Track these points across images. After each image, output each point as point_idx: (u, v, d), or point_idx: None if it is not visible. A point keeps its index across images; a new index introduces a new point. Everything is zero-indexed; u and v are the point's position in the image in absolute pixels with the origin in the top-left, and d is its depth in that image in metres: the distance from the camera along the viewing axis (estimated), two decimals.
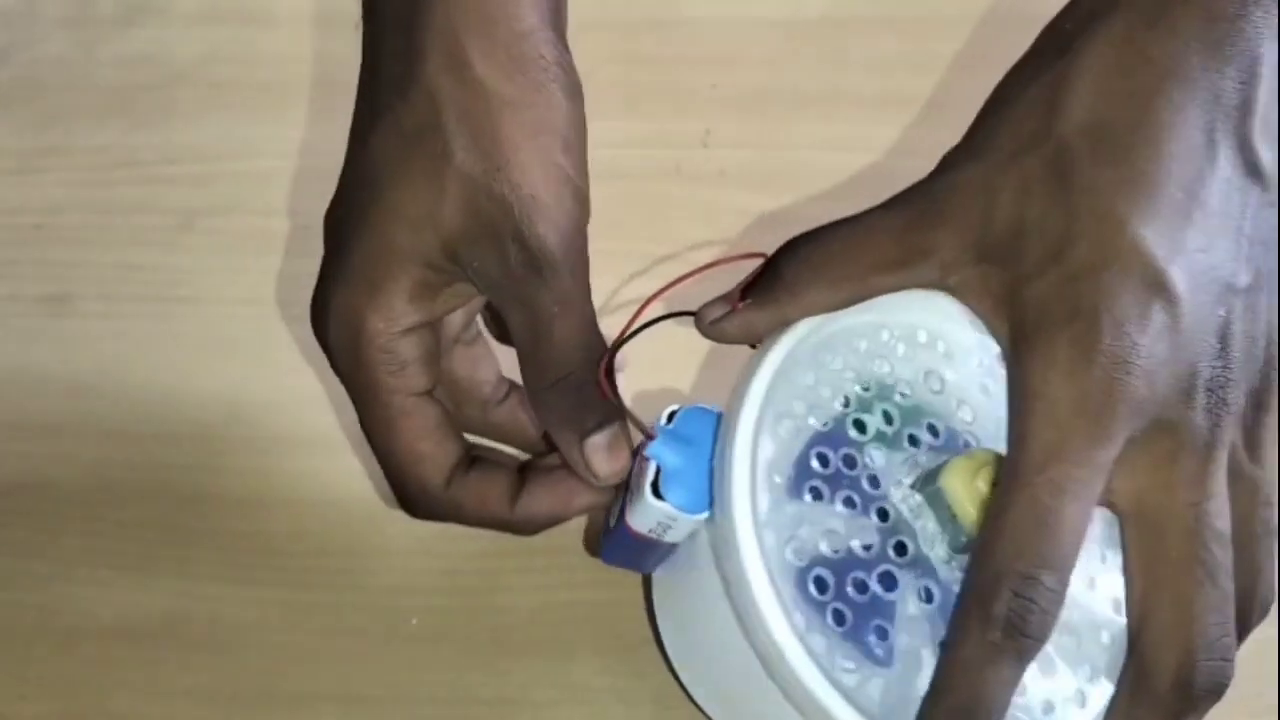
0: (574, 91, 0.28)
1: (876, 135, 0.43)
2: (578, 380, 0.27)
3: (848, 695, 0.24)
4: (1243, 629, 0.25)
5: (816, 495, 0.26)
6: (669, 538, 0.27)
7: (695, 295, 0.28)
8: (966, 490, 0.25)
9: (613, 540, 0.29)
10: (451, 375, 0.30)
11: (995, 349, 0.27)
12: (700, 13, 0.46)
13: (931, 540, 0.26)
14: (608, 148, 0.43)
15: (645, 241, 0.40)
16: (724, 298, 0.28)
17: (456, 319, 0.30)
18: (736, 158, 0.43)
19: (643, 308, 0.28)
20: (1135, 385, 0.24)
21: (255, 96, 0.42)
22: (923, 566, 0.26)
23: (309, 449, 0.37)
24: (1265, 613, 0.26)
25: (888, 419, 0.27)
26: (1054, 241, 0.24)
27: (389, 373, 0.27)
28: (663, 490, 0.26)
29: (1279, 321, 0.26)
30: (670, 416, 0.27)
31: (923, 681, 0.25)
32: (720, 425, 0.27)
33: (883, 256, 0.26)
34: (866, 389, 0.27)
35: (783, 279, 0.27)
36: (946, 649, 0.24)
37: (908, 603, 0.25)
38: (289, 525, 0.35)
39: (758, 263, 0.28)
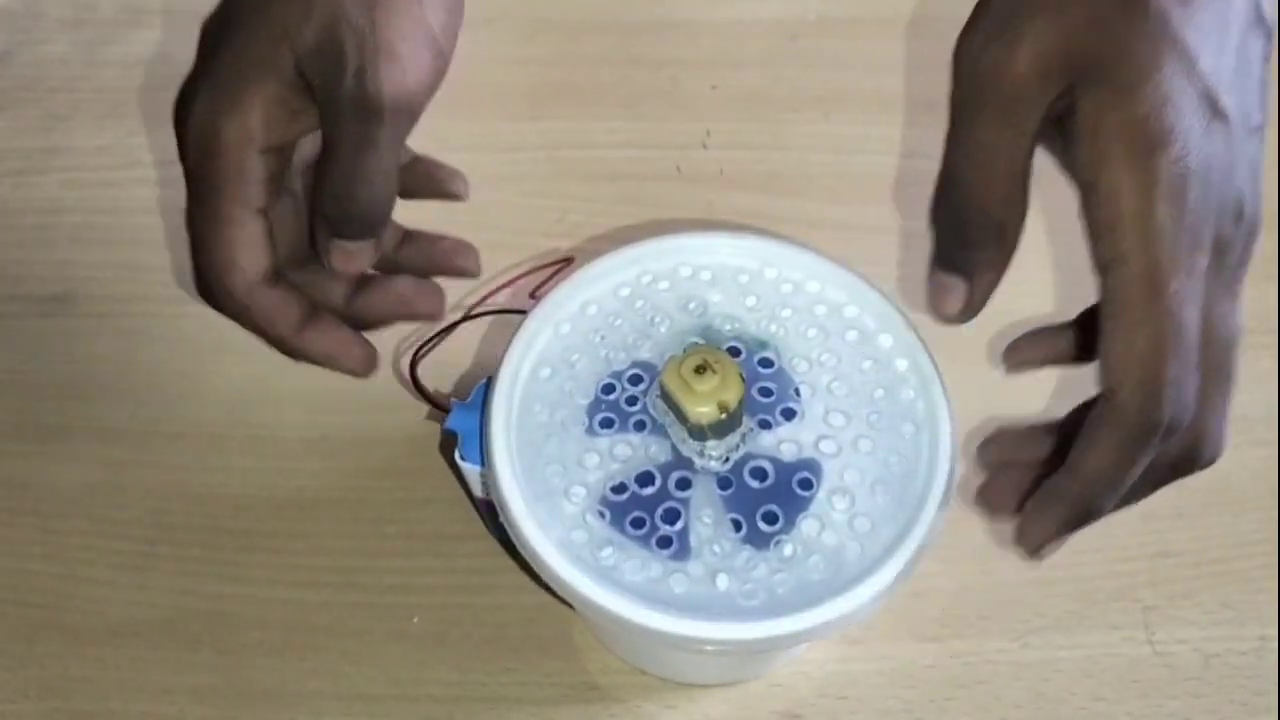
0: None
1: (877, 136, 0.43)
2: (359, 210, 0.30)
3: (641, 590, 0.28)
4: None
5: (608, 425, 0.31)
6: None
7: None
8: (676, 381, 0.29)
9: (480, 512, 0.34)
10: (297, 196, 0.32)
11: (756, 268, 0.33)
12: (700, 14, 0.46)
13: (679, 433, 0.30)
14: (608, 148, 0.44)
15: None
16: (941, 285, 0.28)
17: (308, 143, 0.31)
18: (736, 158, 0.43)
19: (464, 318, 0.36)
20: (1213, 203, 0.25)
21: None
22: (678, 458, 0.30)
23: (311, 449, 0.37)
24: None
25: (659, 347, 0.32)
26: (1137, 70, 0.25)
27: (231, 184, 0.29)
28: (463, 453, 0.31)
29: None
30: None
31: (718, 563, 0.29)
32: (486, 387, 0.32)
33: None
34: (639, 330, 0.32)
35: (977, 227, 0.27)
36: (1113, 467, 0.26)
37: (678, 495, 0.30)
38: (291, 525, 0.36)
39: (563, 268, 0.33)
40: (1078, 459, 0.26)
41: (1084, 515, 0.27)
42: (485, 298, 0.38)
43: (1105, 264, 0.25)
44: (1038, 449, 0.29)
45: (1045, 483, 0.27)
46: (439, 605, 0.35)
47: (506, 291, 0.39)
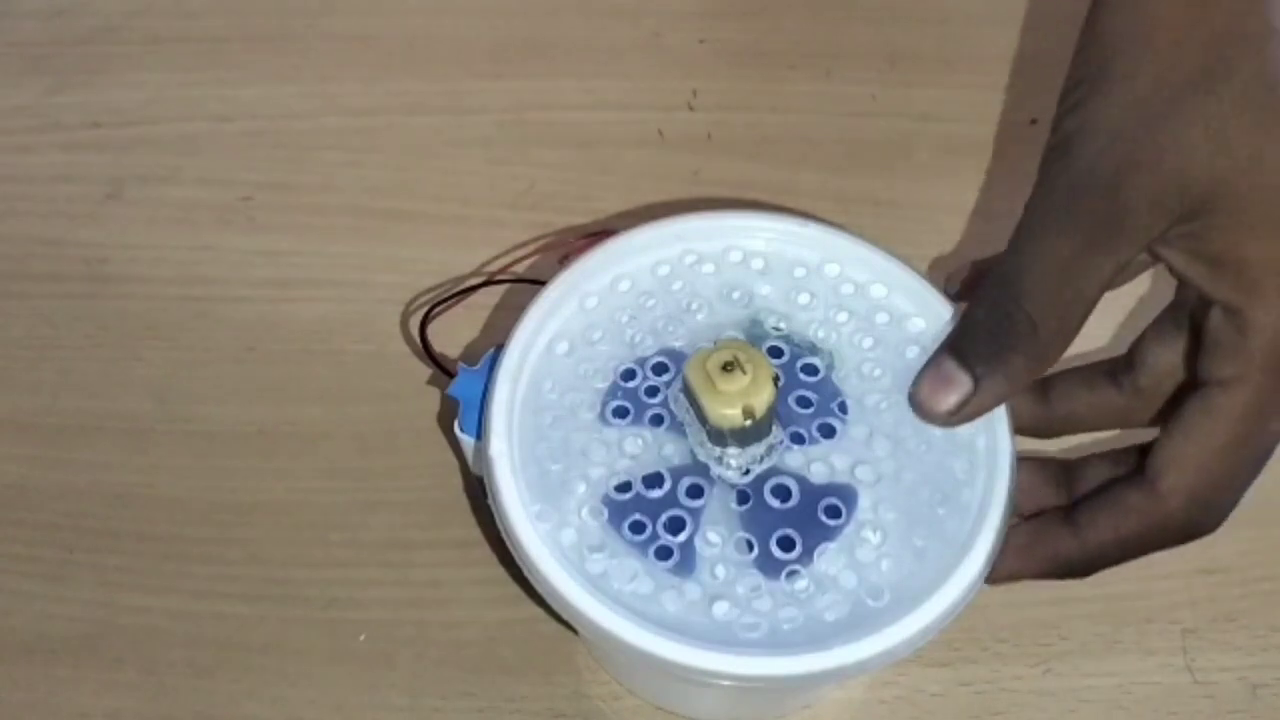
0: None
1: (880, 96, 0.42)
2: None
3: (627, 602, 0.27)
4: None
5: (622, 414, 0.29)
6: None
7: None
8: (700, 376, 0.28)
9: (472, 491, 0.33)
10: None
11: (817, 262, 0.31)
12: None
13: (698, 435, 0.29)
14: (579, 109, 0.43)
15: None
16: (943, 376, 0.27)
17: None
18: (726, 121, 0.42)
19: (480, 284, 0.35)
20: None
21: (191, 53, 0.41)
22: (694, 462, 0.29)
23: (246, 446, 0.36)
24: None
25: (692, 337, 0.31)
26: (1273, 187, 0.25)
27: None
28: (464, 425, 0.30)
29: None
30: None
31: (719, 586, 0.27)
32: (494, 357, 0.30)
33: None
34: (673, 315, 0.31)
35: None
36: (1123, 553, 0.27)
37: (687, 503, 0.28)
38: (223, 531, 0.35)
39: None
40: (1090, 529, 0.27)
41: (1068, 575, 0.28)
42: (510, 265, 0.36)
43: (1219, 379, 0.26)
44: (1043, 498, 0.29)
45: (1042, 525, 0.28)
46: (389, 621, 0.34)
47: (533, 261, 0.37)
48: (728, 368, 0.27)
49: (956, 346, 0.27)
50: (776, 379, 0.28)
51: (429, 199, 0.36)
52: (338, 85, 0.41)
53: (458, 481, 0.35)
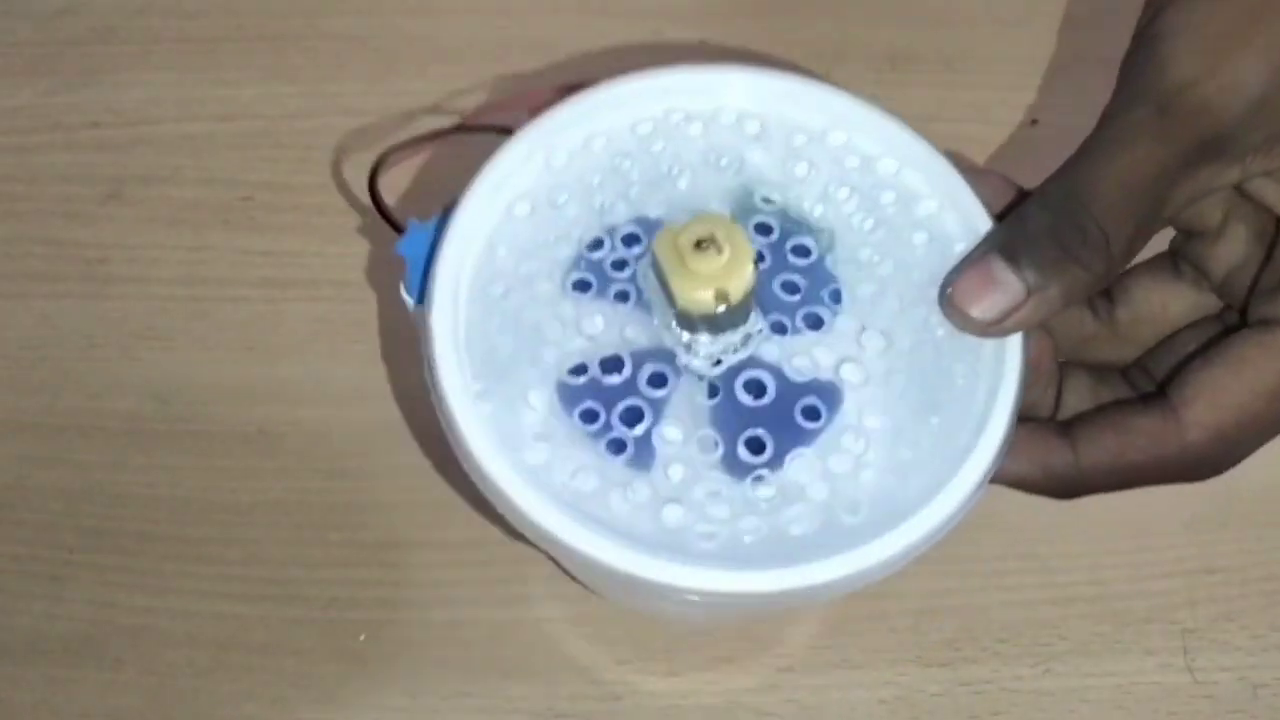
0: None
1: (880, 96, 0.40)
2: None
3: (568, 499, 0.24)
4: None
5: (583, 288, 0.26)
6: None
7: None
8: (670, 253, 0.24)
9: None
10: None
11: (820, 128, 0.28)
12: None
13: (665, 318, 0.26)
14: None
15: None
16: (988, 276, 0.25)
17: None
18: None
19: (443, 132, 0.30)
20: None
21: (191, 53, 0.41)
22: (659, 348, 0.26)
23: (246, 446, 0.36)
24: None
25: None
26: None
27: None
28: (410, 289, 0.26)
29: None
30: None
31: (673, 488, 0.25)
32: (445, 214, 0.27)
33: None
34: (651, 180, 0.27)
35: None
36: (1122, 481, 0.25)
37: (648, 393, 0.26)
38: (223, 531, 0.35)
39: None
40: (1089, 446, 0.25)
41: (1053, 491, 0.26)
42: (478, 112, 0.32)
43: (1271, 317, 0.25)
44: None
45: (1034, 430, 0.26)
46: (389, 621, 0.33)
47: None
48: (701, 245, 0.24)
49: (1009, 248, 0.24)
50: (758, 260, 0.25)
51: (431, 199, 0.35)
52: (338, 85, 0.41)
53: (457, 482, 0.34)
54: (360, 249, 0.38)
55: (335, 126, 0.40)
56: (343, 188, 0.34)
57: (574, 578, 0.31)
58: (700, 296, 0.24)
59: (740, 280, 0.24)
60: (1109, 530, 0.34)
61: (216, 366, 0.36)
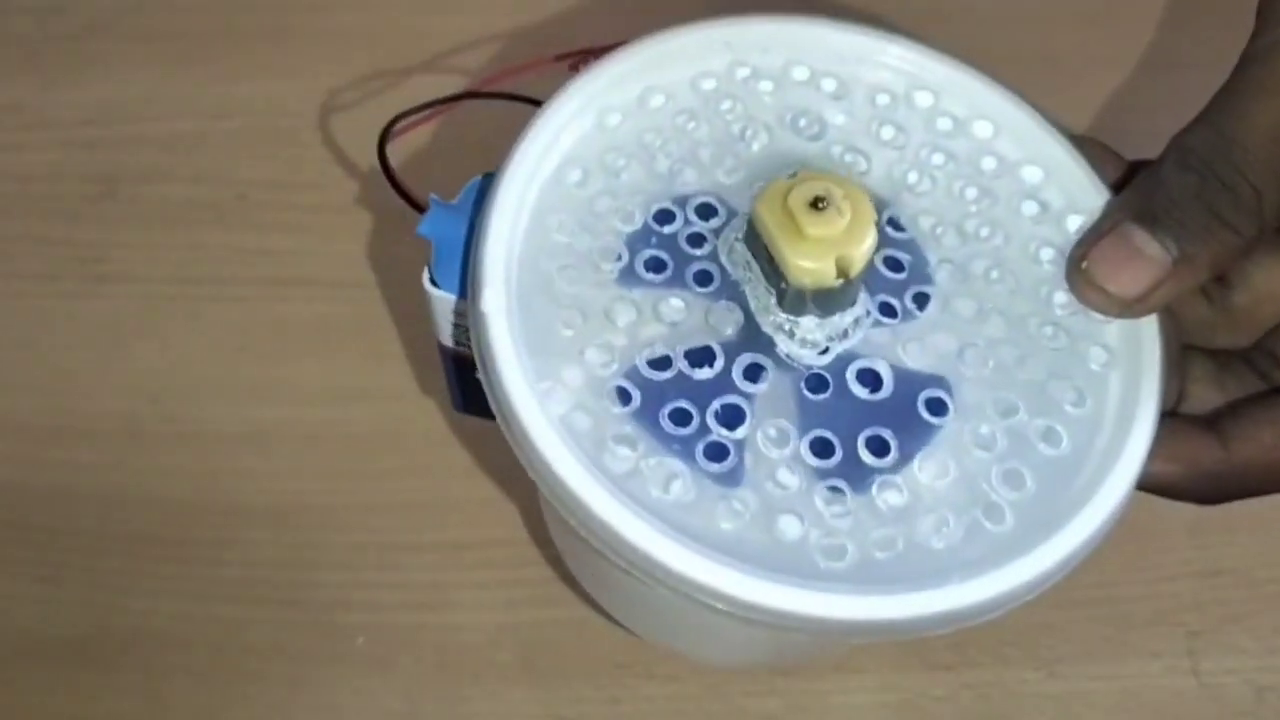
0: None
1: None
2: None
3: (666, 514, 0.21)
4: None
5: (656, 268, 0.23)
6: None
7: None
8: (779, 216, 0.21)
9: (447, 376, 0.26)
10: None
11: (904, 89, 0.25)
12: None
13: (763, 299, 0.23)
14: None
15: None
16: (1129, 245, 0.22)
17: None
18: None
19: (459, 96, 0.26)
20: None
21: (184, 49, 0.41)
22: (753, 335, 0.23)
23: (243, 447, 0.35)
24: None
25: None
26: None
27: None
28: (436, 275, 0.23)
29: None
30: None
31: (787, 498, 0.21)
32: (483, 188, 0.23)
33: None
34: (721, 142, 0.24)
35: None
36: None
37: (746, 388, 0.22)
38: (220, 532, 0.34)
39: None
40: (1242, 442, 0.23)
41: (1204, 494, 0.24)
42: (497, 77, 0.28)
43: None
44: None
45: (1177, 425, 0.23)
46: (387, 625, 0.33)
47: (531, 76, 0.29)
48: (818, 204, 0.21)
49: (1147, 214, 0.22)
50: (879, 225, 0.21)
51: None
52: (333, 82, 0.40)
53: (457, 483, 0.34)
54: (356, 247, 0.38)
55: (330, 123, 0.40)
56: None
57: (608, 615, 0.29)
58: (818, 267, 0.21)
59: (864, 246, 0.21)
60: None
61: (212, 366, 0.36)
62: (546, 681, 0.33)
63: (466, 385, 0.23)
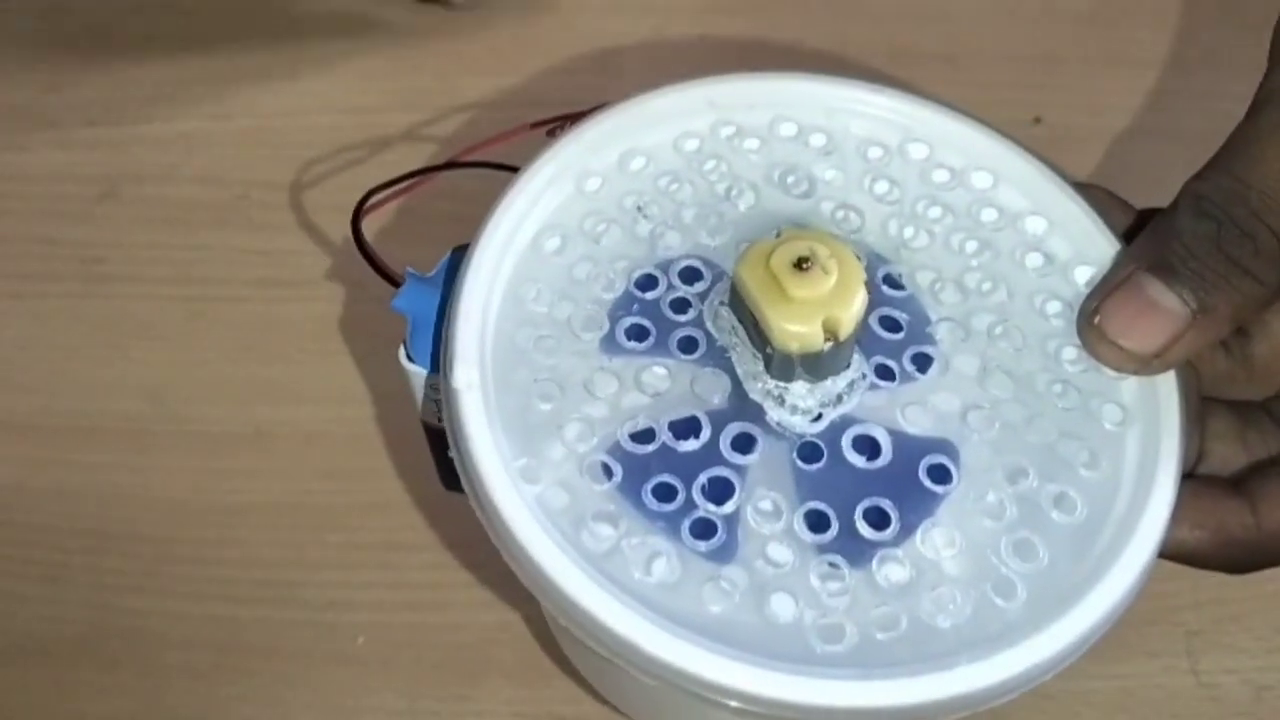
0: None
1: None
2: None
3: (649, 597, 0.20)
4: None
5: (639, 336, 0.22)
6: None
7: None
8: (761, 278, 0.20)
9: (431, 452, 0.25)
10: None
11: (897, 141, 0.24)
12: None
13: (750, 365, 0.22)
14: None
15: None
16: (1144, 298, 0.21)
17: None
18: None
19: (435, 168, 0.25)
20: None
21: (186, 50, 0.41)
22: (741, 403, 0.22)
23: (243, 447, 0.36)
24: None
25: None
26: None
27: None
28: (412, 351, 0.23)
29: None
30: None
31: (780, 576, 0.20)
32: (455, 260, 0.23)
33: None
34: (706, 203, 0.24)
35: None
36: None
37: (735, 459, 0.21)
38: (220, 532, 0.34)
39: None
40: (1275, 510, 0.22)
41: (1231, 563, 0.23)
42: (477, 146, 0.27)
43: None
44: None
45: (1200, 487, 0.22)
46: (386, 624, 0.33)
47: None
48: (803, 264, 0.20)
49: (1163, 263, 0.21)
50: (868, 285, 0.21)
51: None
52: (335, 83, 0.41)
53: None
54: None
55: (332, 125, 0.40)
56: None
57: (581, 668, 0.27)
58: (804, 330, 0.20)
59: (852, 308, 0.20)
60: None
61: (213, 367, 0.36)
62: (546, 681, 0.33)
63: (449, 462, 0.22)
